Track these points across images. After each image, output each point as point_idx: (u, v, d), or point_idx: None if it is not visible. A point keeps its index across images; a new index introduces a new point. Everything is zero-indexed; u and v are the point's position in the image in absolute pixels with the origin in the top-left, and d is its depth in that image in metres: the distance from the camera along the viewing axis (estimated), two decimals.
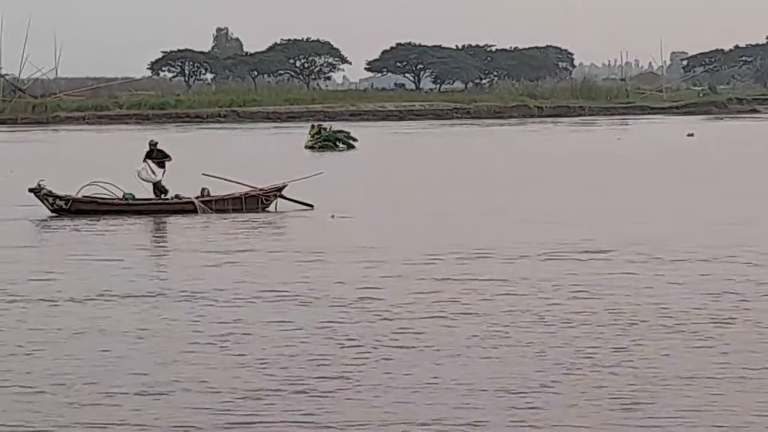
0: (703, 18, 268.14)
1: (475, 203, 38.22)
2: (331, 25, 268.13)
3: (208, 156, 55.72)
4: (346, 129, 76.16)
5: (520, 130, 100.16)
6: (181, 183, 36.70)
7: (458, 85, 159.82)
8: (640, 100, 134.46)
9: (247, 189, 35.64)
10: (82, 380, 14.79)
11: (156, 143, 37.35)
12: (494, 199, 39.97)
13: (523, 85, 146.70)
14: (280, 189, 35.61)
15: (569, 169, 54.85)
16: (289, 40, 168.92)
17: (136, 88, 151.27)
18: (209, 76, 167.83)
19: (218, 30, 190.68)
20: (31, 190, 34.51)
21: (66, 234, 31.91)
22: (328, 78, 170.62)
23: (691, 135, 79.88)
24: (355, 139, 71.08)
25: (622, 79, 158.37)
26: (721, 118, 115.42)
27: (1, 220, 34.17)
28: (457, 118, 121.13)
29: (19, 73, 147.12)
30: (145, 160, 36.71)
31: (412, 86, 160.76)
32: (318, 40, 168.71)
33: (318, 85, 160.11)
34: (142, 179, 35.88)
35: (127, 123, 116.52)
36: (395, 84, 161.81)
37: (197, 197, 35.26)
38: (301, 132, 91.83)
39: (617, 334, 17.27)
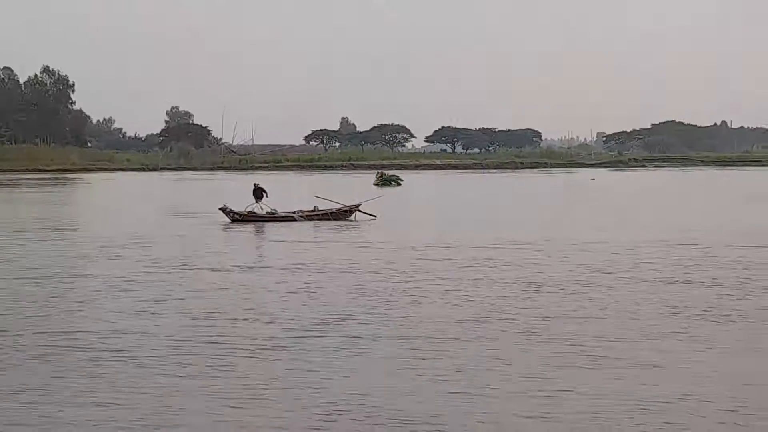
0: (615, 111, 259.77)
1: (460, 216, 38.24)
2: (406, 114, 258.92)
3: (327, 187, 52.35)
4: (399, 175, 76.97)
5: (509, 175, 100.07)
6: (307, 201, 36.18)
7: (476, 150, 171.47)
8: (578, 159, 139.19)
9: (339, 206, 35.32)
10: (242, 308, 15.15)
11: (257, 184, 36.10)
12: (475, 213, 39.67)
13: (513, 150, 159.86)
14: (358, 206, 35.35)
15: (526, 197, 54.93)
16: (382, 124, 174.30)
17: (299, 152, 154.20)
18: (337, 144, 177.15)
19: (342, 118, 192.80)
20: (220, 209, 34.21)
21: (236, 232, 31.40)
22: (403, 146, 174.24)
23: (593, 179, 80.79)
24: (401, 180, 73.11)
25: (569, 148, 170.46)
26: (623, 170, 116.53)
27: (207, 223, 33.81)
28: (474, 168, 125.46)
29: (232, 141, 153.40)
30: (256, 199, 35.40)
31: (450, 150, 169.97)
32: (398, 124, 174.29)
33: (398, 149, 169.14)
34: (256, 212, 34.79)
35: (291, 170, 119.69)
36: (441, 149, 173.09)
37: (312, 210, 34.84)
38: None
39: (524, 290, 16.91)
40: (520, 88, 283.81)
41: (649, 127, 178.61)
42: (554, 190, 63.95)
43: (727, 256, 21.87)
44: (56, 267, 21.23)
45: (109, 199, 56.87)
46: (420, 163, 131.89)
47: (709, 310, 14.67)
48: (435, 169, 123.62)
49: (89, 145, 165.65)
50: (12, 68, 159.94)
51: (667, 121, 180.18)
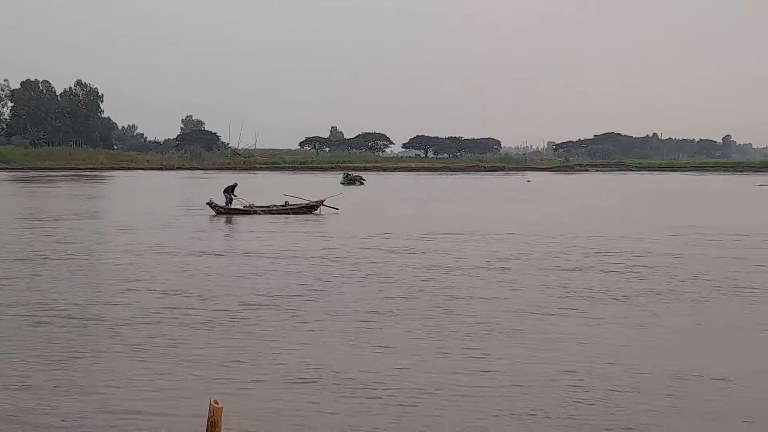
0: (563, 124, 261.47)
1: (403, 211, 37.79)
2: (386, 124, 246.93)
3: (306, 184, 55.79)
4: (363, 175, 77.09)
5: (471, 176, 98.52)
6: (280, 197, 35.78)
7: (445, 155, 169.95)
8: (532, 164, 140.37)
9: (306, 201, 34.89)
10: (221, 289, 15.06)
11: (230, 186, 35.56)
12: (415, 210, 39.30)
13: (477, 156, 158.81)
14: (322, 201, 34.85)
15: (464, 195, 54.09)
16: (366, 132, 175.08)
17: (295, 155, 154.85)
18: (327, 149, 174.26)
19: (332, 127, 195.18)
20: (207, 203, 34.00)
21: (219, 223, 30.58)
22: (384, 151, 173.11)
23: (529, 181, 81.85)
24: (364, 180, 72.47)
25: (524, 154, 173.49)
26: (568, 173, 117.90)
27: (196, 215, 33.43)
28: (444, 171, 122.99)
29: (237, 145, 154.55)
30: (226, 194, 35.09)
31: (424, 155, 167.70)
32: (379, 133, 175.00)
33: (378, 154, 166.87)
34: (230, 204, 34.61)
35: (286, 171, 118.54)
36: (415, 154, 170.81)
37: (283, 205, 34.44)
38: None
39: (444, 274, 17.04)
40: (484, 104, 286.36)
41: (592, 137, 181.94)
42: (492, 190, 62.81)
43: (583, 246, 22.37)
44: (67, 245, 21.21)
45: (127, 193, 56.82)
46: (398, 165, 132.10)
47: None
48: (410, 171, 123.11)
49: (115, 147, 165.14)
50: (50, 81, 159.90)
51: (607, 133, 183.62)
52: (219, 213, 33.47)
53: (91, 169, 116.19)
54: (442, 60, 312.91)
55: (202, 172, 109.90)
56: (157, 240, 23.92)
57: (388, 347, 10.78)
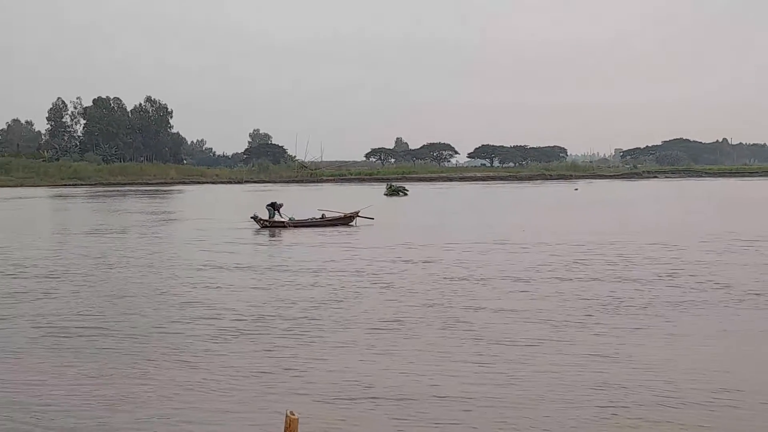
0: (632, 130, 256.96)
1: (441, 221, 37.92)
2: (452, 135, 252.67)
3: (347, 196, 56.29)
4: (406, 186, 76.17)
5: (538, 185, 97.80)
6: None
7: (511, 164, 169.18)
8: (599, 171, 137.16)
9: (341, 214, 35.59)
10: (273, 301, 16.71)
11: (276, 202, 36.29)
12: (453, 220, 39.14)
13: (543, 164, 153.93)
14: (357, 212, 35.58)
15: (508, 206, 52.53)
16: (431, 143, 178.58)
17: (361, 166, 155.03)
18: (392, 160, 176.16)
19: (397, 137, 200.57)
20: (251, 218, 34.59)
21: (263, 236, 31.00)
22: (449, 161, 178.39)
23: (576, 189, 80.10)
24: (407, 191, 71.55)
25: (590, 162, 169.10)
26: (636, 180, 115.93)
27: (242, 228, 33.86)
28: (510, 180, 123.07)
29: (304, 158, 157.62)
30: (269, 208, 35.70)
31: (489, 165, 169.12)
32: (444, 143, 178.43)
33: (443, 164, 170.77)
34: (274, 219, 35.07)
35: (352, 182, 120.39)
36: (480, 164, 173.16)
37: (320, 218, 35.35)
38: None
39: (471, 283, 17.41)
40: (550, 111, 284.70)
41: (660, 143, 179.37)
42: (538, 199, 62.19)
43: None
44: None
45: (191, 207, 57.66)
46: (463, 175, 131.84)
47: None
48: (476, 180, 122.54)
49: (185, 162, 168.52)
50: (121, 98, 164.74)
51: (675, 139, 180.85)
52: (263, 227, 34.17)
53: (161, 183, 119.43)
54: (504, 67, 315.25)
55: (270, 185, 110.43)
56: (196, 255, 24.40)
57: (436, 357, 10.82)
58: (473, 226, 33.79)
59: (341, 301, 15.34)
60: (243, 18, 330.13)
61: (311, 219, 35.53)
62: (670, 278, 17.60)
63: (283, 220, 34.99)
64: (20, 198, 76.05)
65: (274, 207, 35.79)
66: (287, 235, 31.46)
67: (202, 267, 21.16)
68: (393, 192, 70.33)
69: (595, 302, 14.75)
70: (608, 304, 14.56)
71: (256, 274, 19.72)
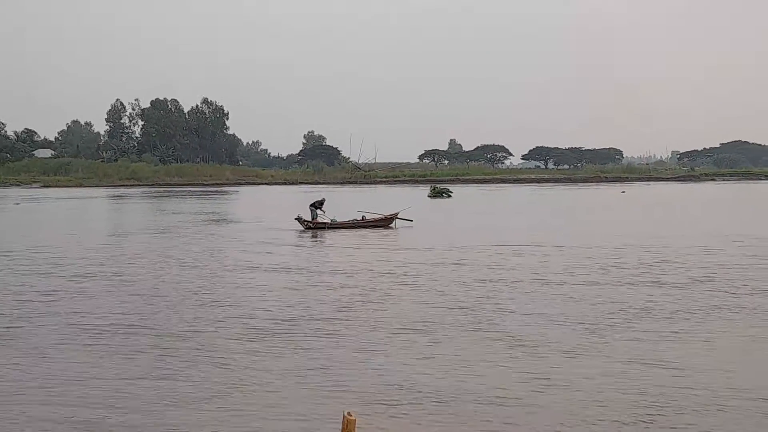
0: (689, 131, 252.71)
1: (480, 223, 37.64)
2: (506, 136, 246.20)
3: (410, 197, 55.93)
4: (450, 188, 76.32)
5: (585, 187, 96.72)
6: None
7: (565, 166, 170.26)
8: (655, 174, 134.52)
9: (381, 216, 35.98)
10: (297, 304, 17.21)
11: (317, 201, 36.71)
12: (493, 221, 39.00)
13: (598, 167, 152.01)
14: (396, 214, 35.95)
15: (549, 208, 52.17)
16: (485, 144, 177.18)
17: (414, 168, 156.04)
18: (446, 161, 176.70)
19: (451, 139, 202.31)
20: (295, 219, 34.96)
21: (304, 238, 31.03)
22: (503, 163, 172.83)
23: (624, 192, 79.38)
24: (451, 192, 71.56)
25: (647, 164, 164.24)
26: (693, 183, 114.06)
27: (286, 229, 33.98)
28: (565, 182, 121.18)
29: (358, 159, 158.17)
30: (312, 208, 35.88)
31: (543, 167, 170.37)
32: (498, 145, 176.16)
33: (497, 166, 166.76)
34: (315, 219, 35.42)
35: (406, 184, 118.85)
36: (535, 166, 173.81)
37: (360, 219, 35.79)
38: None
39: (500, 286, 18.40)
40: (606, 113, 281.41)
41: (718, 146, 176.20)
42: (583, 202, 61.95)
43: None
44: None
45: (247, 208, 58.29)
46: (517, 177, 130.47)
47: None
48: (530, 182, 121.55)
49: (240, 163, 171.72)
50: (178, 100, 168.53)
51: (734, 141, 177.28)
52: (307, 228, 34.36)
53: (217, 184, 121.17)
54: (562, 68, 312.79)
55: (324, 186, 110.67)
56: (236, 255, 24.53)
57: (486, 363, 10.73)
58: (507, 228, 33.70)
59: (377, 302, 15.36)
60: (304, 17, 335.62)
61: (352, 221, 35.75)
62: (708, 282, 17.34)
63: (325, 221, 35.16)
64: (78, 198, 78.01)
65: (315, 206, 36.00)
66: (328, 236, 31.59)
67: (240, 267, 21.25)
68: (437, 194, 70.35)
69: (630, 306, 14.57)
70: (645, 308, 14.37)
71: (293, 275, 19.69)
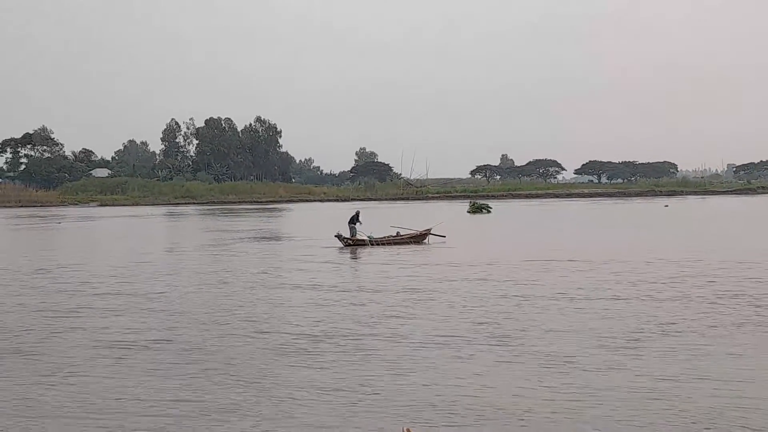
0: (745, 144, 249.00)
1: (515, 238, 38.18)
2: (558, 151, 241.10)
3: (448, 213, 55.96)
4: (498, 204, 77.82)
5: (628, 201, 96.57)
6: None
7: (619, 180, 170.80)
8: (711, 188, 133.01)
9: (413, 232, 36.69)
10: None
11: (353, 216, 37.10)
12: (530, 236, 39.61)
13: (652, 180, 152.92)
14: (429, 230, 36.66)
15: (593, 222, 52.20)
16: (537, 159, 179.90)
17: (466, 184, 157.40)
18: (498, 176, 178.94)
19: (503, 154, 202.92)
20: (335, 236, 35.51)
21: (345, 255, 31.20)
22: (555, 177, 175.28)
23: (666, 206, 78.53)
24: (491, 208, 71.80)
25: (702, 178, 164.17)
26: (750, 196, 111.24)
27: (325, 247, 34.39)
28: (618, 197, 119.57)
29: (410, 175, 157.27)
30: (351, 225, 36.44)
31: (597, 181, 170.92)
32: (551, 159, 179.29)
33: (550, 180, 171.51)
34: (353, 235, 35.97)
35: (456, 199, 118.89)
36: (588, 180, 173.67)
37: (395, 235, 36.29)
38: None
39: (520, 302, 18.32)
40: (659, 128, 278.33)
41: None
42: (625, 216, 61.52)
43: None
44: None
45: (292, 225, 59.03)
46: (570, 192, 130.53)
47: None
48: (583, 197, 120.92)
49: (293, 180, 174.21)
50: (231, 118, 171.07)
51: None
52: (347, 245, 34.78)
53: (271, 201, 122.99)
54: (612, 82, 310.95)
55: (376, 202, 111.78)
56: (271, 273, 24.89)
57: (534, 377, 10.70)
58: (543, 243, 33.87)
59: (410, 318, 15.35)
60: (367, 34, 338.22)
61: (388, 237, 36.21)
62: (738, 298, 17.16)
63: (364, 238, 35.59)
64: (132, 216, 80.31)
65: (352, 221, 36.57)
66: (364, 254, 31.85)
67: (275, 285, 21.48)
68: (476, 209, 70.76)
69: (656, 320, 14.54)
70: (675, 322, 14.36)
71: (327, 292, 19.71)
